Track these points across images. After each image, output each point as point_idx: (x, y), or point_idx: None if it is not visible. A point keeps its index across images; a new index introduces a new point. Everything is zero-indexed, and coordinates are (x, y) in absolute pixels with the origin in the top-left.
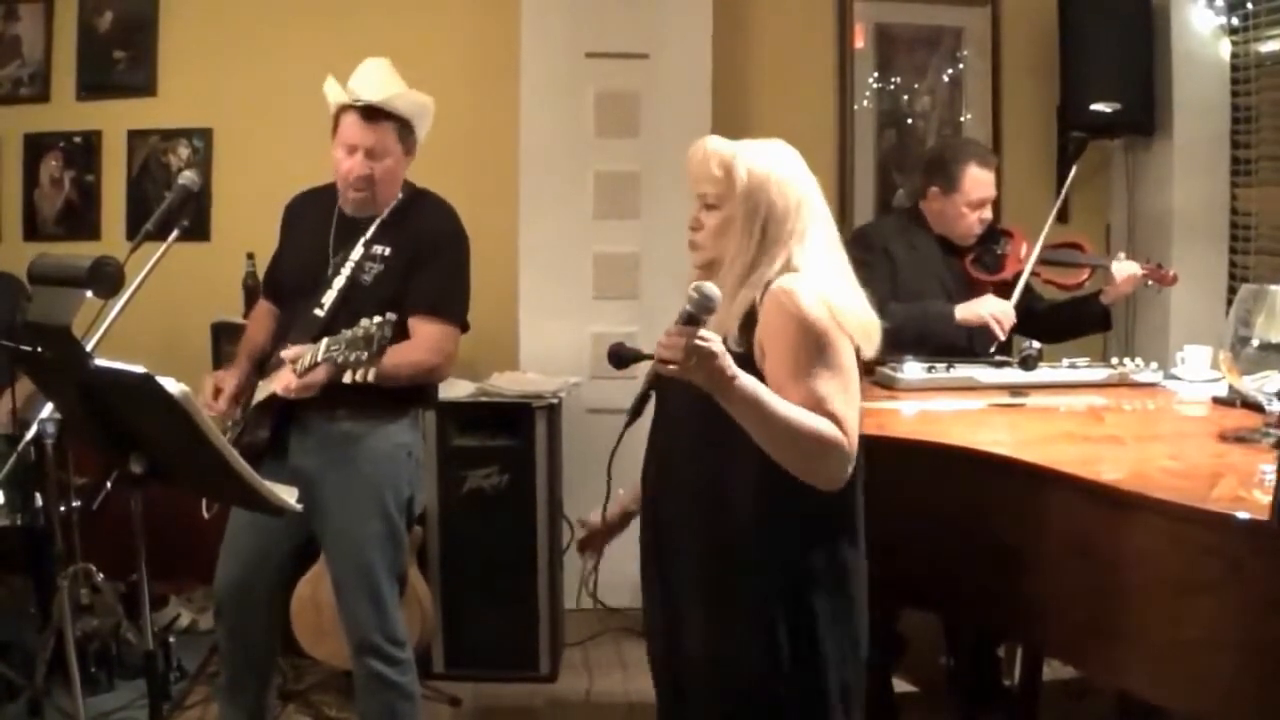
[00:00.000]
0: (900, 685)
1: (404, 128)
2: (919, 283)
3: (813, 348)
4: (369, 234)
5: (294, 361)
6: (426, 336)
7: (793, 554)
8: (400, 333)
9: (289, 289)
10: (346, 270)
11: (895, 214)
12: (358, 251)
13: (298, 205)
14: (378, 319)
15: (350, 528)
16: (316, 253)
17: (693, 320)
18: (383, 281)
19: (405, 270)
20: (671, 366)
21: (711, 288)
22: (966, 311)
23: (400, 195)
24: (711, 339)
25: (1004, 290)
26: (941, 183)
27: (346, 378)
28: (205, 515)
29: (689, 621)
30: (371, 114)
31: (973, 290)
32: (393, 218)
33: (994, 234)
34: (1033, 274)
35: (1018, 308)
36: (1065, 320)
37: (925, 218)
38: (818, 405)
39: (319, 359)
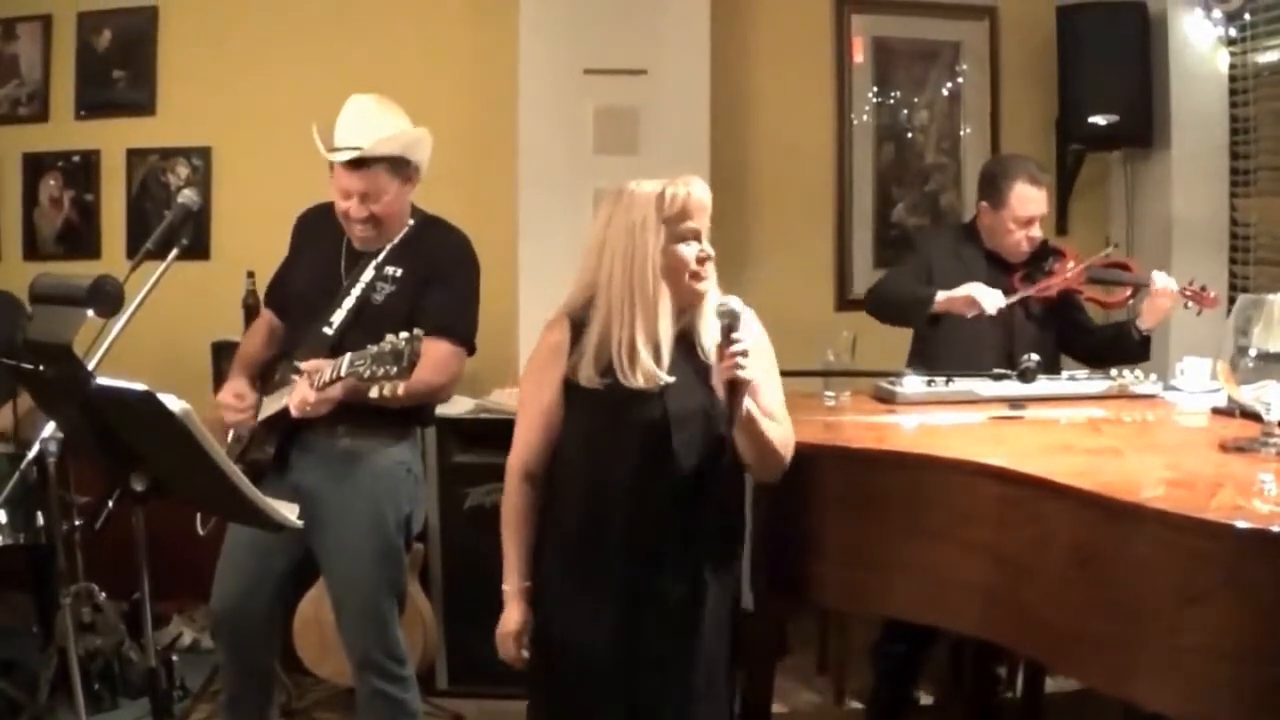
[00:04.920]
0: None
1: (396, 164)
2: None
3: (772, 362)
4: (381, 256)
5: (312, 374)
6: (435, 357)
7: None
8: None
9: (297, 304)
10: (357, 290)
11: (952, 226)
12: (369, 272)
13: (311, 219)
14: (404, 335)
15: (349, 545)
16: (328, 271)
17: (732, 330)
18: (394, 301)
19: (417, 291)
20: (746, 374)
21: (734, 300)
22: (950, 293)
23: (411, 222)
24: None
25: (1049, 308)
26: (990, 198)
27: (374, 393)
28: (200, 531)
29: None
30: (357, 162)
31: (1013, 306)
32: (405, 242)
33: (1046, 252)
34: (1075, 291)
35: (1063, 323)
36: (1105, 343)
37: (979, 232)
38: (780, 409)
39: (341, 374)
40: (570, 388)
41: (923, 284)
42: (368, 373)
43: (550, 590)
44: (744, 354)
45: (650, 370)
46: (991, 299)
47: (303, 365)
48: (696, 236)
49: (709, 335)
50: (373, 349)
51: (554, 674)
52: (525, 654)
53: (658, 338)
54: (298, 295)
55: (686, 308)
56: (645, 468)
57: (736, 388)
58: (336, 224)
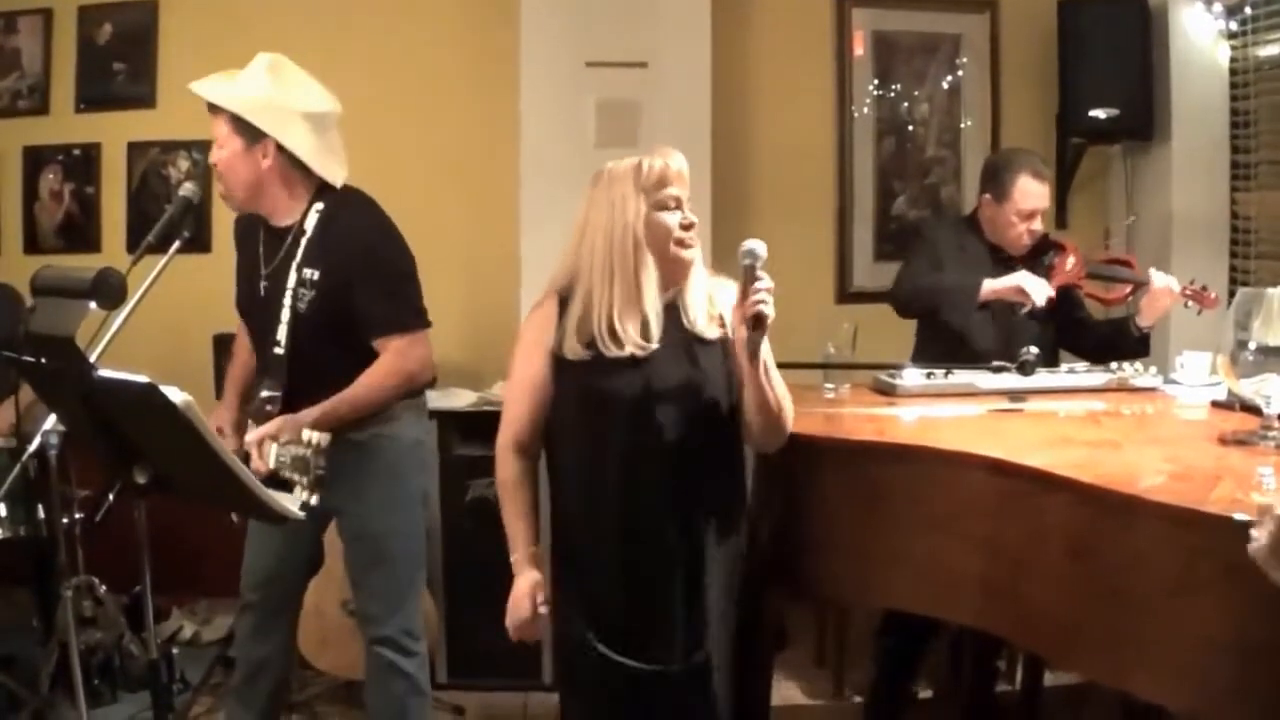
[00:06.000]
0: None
1: (239, 122)
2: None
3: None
4: (298, 256)
5: (259, 447)
6: (395, 354)
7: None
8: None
9: (247, 310)
10: (287, 300)
11: (954, 218)
12: (291, 277)
13: (240, 221)
14: (316, 439)
15: (371, 526)
16: (252, 272)
17: (754, 269)
18: (318, 307)
19: (339, 292)
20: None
21: (756, 242)
22: (996, 283)
23: (321, 207)
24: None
25: (1049, 304)
26: (993, 190)
27: (296, 492)
28: (234, 520)
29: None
30: (211, 107)
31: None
32: (317, 234)
33: (1047, 246)
34: (1075, 286)
35: (1062, 319)
36: (1105, 339)
37: (980, 224)
38: (778, 378)
39: (272, 465)
40: (558, 362)
41: (931, 277)
42: (286, 474)
43: (562, 581)
44: (769, 290)
45: (632, 339)
46: (1040, 289)
47: (248, 438)
48: (678, 204)
49: (697, 306)
50: (293, 449)
51: (575, 660)
52: (543, 610)
53: (643, 308)
54: (242, 304)
55: (673, 279)
56: (634, 438)
57: (760, 323)
58: (256, 224)
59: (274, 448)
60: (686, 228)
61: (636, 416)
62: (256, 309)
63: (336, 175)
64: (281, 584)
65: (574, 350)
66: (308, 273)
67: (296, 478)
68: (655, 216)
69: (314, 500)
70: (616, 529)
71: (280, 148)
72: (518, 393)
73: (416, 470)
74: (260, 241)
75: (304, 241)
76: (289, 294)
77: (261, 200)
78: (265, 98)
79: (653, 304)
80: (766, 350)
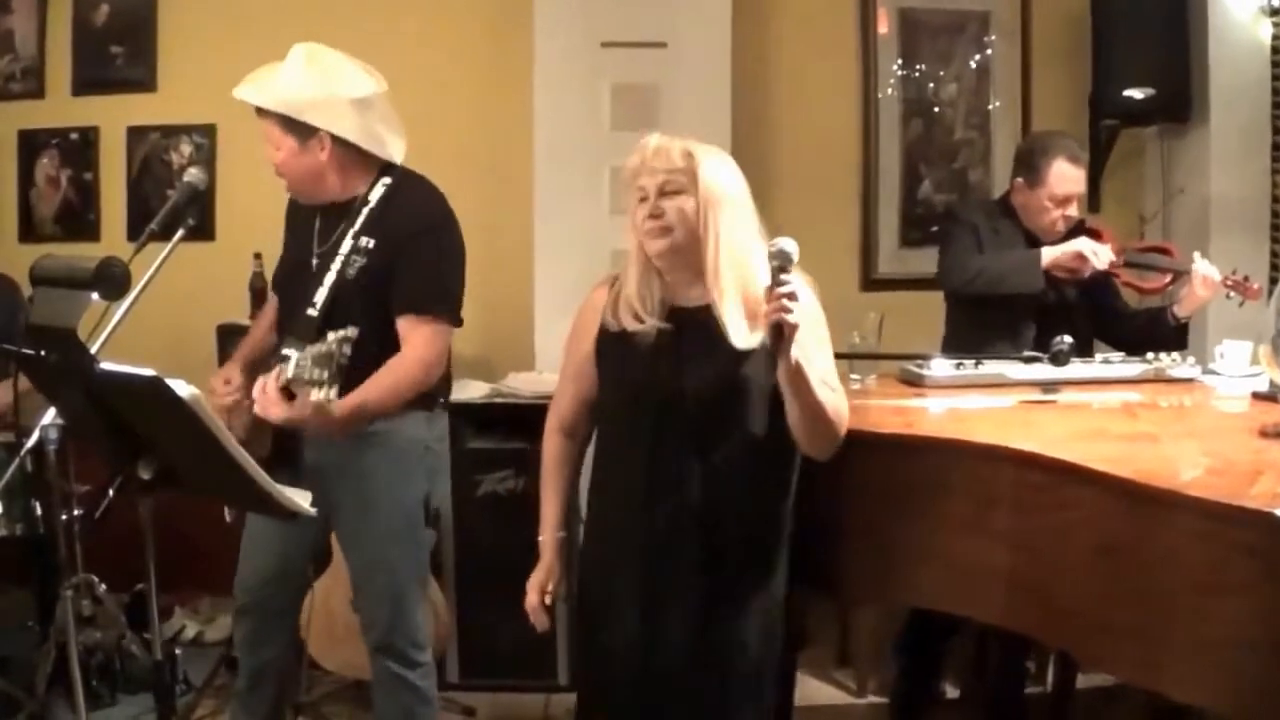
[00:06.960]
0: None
1: (288, 121)
2: None
3: (825, 333)
4: (357, 225)
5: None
6: (412, 345)
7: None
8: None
9: (286, 284)
10: (336, 265)
11: (983, 200)
12: (346, 244)
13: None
14: (342, 333)
15: (367, 526)
16: (304, 245)
17: (783, 271)
18: (368, 275)
19: (388, 265)
20: (792, 319)
21: (786, 241)
22: (1056, 250)
23: (387, 181)
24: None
25: (1082, 291)
26: (1027, 175)
27: (314, 394)
28: (228, 519)
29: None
30: (259, 110)
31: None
32: (377, 209)
33: (1081, 232)
34: (1112, 274)
35: (1098, 308)
36: (1140, 329)
37: (1013, 208)
38: (833, 379)
39: (290, 374)
40: (600, 348)
41: (974, 252)
42: (306, 375)
43: (586, 584)
44: (791, 296)
45: (643, 328)
46: (1102, 253)
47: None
48: (646, 195)
49: (728, 315)
50: (314, 347)
51: (591, 667)
52: (547, 600)
53: (631, 293)
54: (284, 276)
55: (678, 274)
56: (657, 435)
57: (781, 331)
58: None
59: (293, 357)
60: (652, 217)
61: (660, 412)
62: (301, 280)
63: (395, 151)
64: (282, 585)
65: (613, 326)
66: (364, 241)
67: (319, 374)
68: (631, 212)
69: (333, 394)
70: (638, 517)
71: (335, 135)
72: (564, 375)
73: (420, 474)
74: (316, 217)
75: (365, 211)
76: (340, 259)
77: (326, 188)
78: (310, 93)
79: (634, 288)
80: (823, 354)
